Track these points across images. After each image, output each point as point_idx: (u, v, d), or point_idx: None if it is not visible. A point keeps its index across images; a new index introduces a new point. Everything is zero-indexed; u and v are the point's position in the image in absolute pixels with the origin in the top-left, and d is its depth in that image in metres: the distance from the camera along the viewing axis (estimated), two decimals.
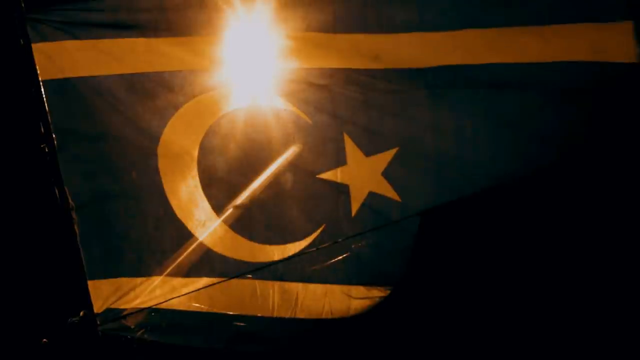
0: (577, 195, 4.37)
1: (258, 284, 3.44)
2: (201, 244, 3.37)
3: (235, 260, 3.41)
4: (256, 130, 3.32)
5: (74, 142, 3.18)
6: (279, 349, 3.56)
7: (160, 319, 3.35)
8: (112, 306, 3.29)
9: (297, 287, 3.46)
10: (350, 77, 3.22)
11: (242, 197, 3.35)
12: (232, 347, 3.48)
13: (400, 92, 3.26)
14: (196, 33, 3.13)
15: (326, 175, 3.39)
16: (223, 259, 3.40)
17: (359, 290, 3.48)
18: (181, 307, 3.38)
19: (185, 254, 3.35)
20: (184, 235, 3.36)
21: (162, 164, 3.29)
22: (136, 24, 3.09)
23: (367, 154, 3.36)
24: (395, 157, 3.32)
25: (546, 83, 3.22)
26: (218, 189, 3.37)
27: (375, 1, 3.15)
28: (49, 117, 3.03)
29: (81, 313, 3.21)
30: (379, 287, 3.47)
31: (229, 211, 3.36)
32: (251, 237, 3.43)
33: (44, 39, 3.00)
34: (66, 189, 3.13)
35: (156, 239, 3.34)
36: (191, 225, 3.37)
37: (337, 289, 3.47)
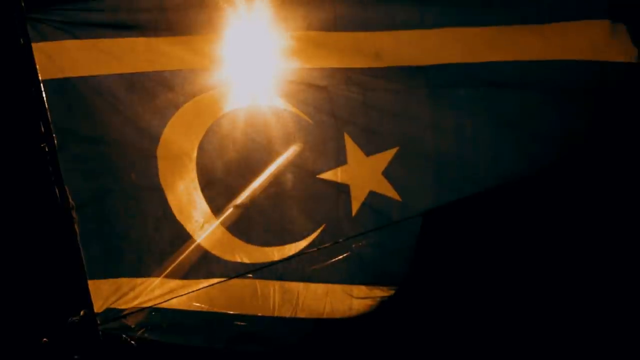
0: (578, 195, 4.37)
1: (258, 283, 3.44)
2: (199, 246, 3.37)
3: (232, 262, 3.41)
4: (255, 130, 3.32)
5: (74, 141, 3.17)
6: (280, 349, 3.55)
7: (161, 318, 3.35)
8: (113, 306, 3.29)
9: (298, 287, 3.45)
10: (351, 77, 3.23)
11: (241, 199, 3.35)
12: (233, 347, 3.48)
13: (400, 91, 3.26)
14: (196, 32, 3.12)
15: (326, 175, 3.39)
16: (221, 261, 3.40)
17: (360, 290, 3.48)
18: (181, 307, 3.38)
19: (183, 256, 3.34)
20: (183, 236, 3.36)
21: (161, 164, 3.28)
22: (136, 23, 3.09)
23: (368, 153, 3.36)
24: (395, 157, 3.33)
25: (546, 82, 3.22)
26: (216, 191, 3.37)
27: None
28: (49, 117, 3.03)
29: (81, 312, 3.21)
30: (380, 287, 3.47)
31: (227, 213, 3.36)
32: (249, 240, 3.42)
33: (44, 38, 3.00)
34: (66, 188, 3.12)
35: (156, 239, 3.34)
36: (190, 227, 3.36)
37: (338, 289, 3.47)
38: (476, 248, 4.48)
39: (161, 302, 3.33)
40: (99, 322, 3.24)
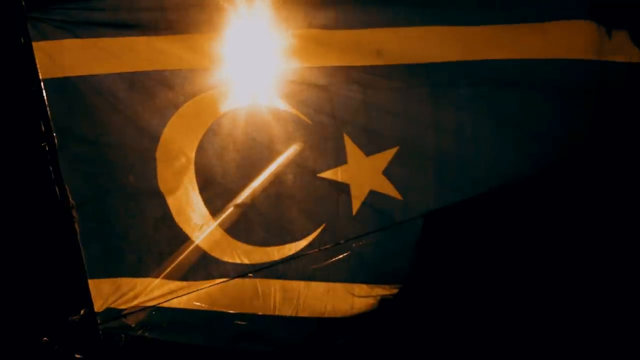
0: (578, 195, 4.37)
1: (259, 282, 3.43)
2: (198, 248, 3.36)
3: (232, 263, 3.41)
4: (255, 130, 3.32)
5: (75, 140, 3.17)
6: (281, 348, 3.55)
7: (161, 317, 3.35)
8: (113, 305, 3.29)
9: (299, 286, 3.45)
10: (351, 75, 3.23)
11: (240, 199, 3.35)
12: (234, 345, 3.48)
13: (401, 90, 3.26)
14: (197, 31, 3.13)
15: (326, 175, 3.39)
16: (220, 263, 3.39)
17: (361, 289, 3.47)
18: (182, 306, 3.37)
19: (182, 257, 3.34)
20: (181, 238, 3.35)
21: (160, 166, 3.28)
22: (137, 22, 3.09)
23: (368, 153, 3.36)
24: (395, 156, 3.33)
25: (546, 81, 3.23)
26: (215, 192, 3.36)
27: None
28: (50, 116, 3.03)
29: (82, 312, 3.21)
30: (382, 285, 3.47)
31: (226, 214, 3.36)
32: (248, 240, 3.42)
33: (44, 37, 3.00)
34: (66, 187, 3.12)
35: (155, 240, 3.33)
36: (188, 229, 3.36)
37: (339, 287, 3.47)
38: (477, 246, 4.48)
39: (161, 303, 3.33)
40: (99, 321, 3.24)
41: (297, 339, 3.53)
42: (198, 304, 3.40)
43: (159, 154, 3.27)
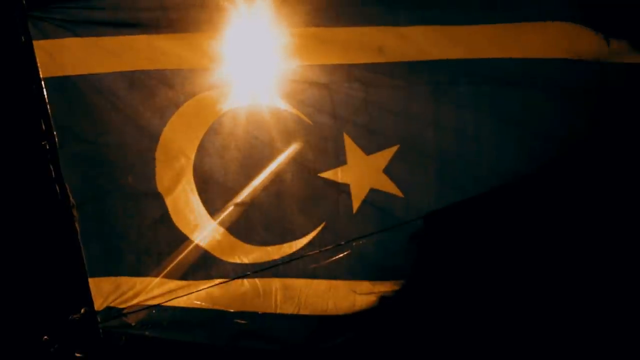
0: (579, 194, 4.37)
1: (260, 281, 3.43)
2: (197, 248, 3.37)
3: (232, 263, 3.41)
4: (255, 129, 3.32)
5: (75, 139, 3.18)
6: (283, 346, 3.55)
7: (162, 316, 3.35)
8: (113, 304, 3.29)
9: (300, 284, 3.44)
10: (352, 73, 3.23)
11: (239, 199, 3.35)
12: (235, 344, 3.47)
13: (401, 88, 3.26)
14: (197, 30, 3.13)
15: (326, 174, 3.39)
16: (220, 262, 3.40)
17: (363, 286, 3.46)
18: (182, 305, 3.37)
19: (181, 257, 3.34)
20: (180, 238, 3.36)
21: (159, 167, 3.29)
22: (137, 21, 3.09)
23: (368, 152, 3.36)
24: (396, 155, 3.33)
25: (547, 80, 3.23)
26: (214, 192, 3.36)
27: None
28: (50, 115, 3.03)
29: (82, 310, 3.22)
30: (384, 282, 3.47)
31: (225, 213, 3.36)
32: (248, 239, 3.42)
33: (45, 36, 3.01)
34: (67, 186, 3.13)
35: (153, 240, 3.34)
36: (187, 229, 3.36)
37: (341, 285, 3.46)
38: (479, 244, 4.47)
39: (161, 302, 3.34)
40: (99, 320, 3.25)
41: (298, 337, 3.52)
42: (198, 302, 3.40)
43: (158, 154, 3.27)
